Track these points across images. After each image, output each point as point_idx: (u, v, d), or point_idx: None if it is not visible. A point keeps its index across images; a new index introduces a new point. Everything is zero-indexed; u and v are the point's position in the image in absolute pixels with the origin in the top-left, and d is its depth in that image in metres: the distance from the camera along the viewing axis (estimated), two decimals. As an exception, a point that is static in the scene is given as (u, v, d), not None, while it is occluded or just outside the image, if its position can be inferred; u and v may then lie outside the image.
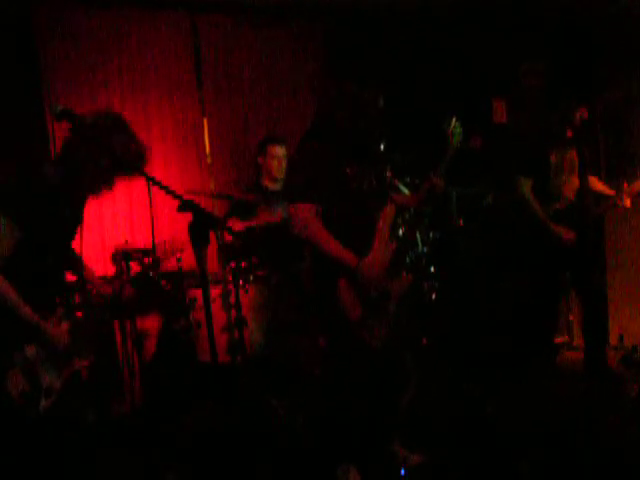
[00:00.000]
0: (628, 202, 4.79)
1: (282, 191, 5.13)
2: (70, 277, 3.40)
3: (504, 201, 5.36)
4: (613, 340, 5.82)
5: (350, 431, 3.25)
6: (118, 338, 4.53)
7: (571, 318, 5.88)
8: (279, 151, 5.11)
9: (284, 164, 5.13)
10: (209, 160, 5.89)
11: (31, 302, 2.81)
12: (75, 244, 3.22)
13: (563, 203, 4.82)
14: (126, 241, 4.93)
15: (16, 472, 2.78)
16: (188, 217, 2.41)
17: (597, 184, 5.03)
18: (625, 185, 4.83)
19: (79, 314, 3.27)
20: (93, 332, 3.17)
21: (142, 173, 2.66)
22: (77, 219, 3.12)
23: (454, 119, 3.56)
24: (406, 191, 5.17)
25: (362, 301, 3.15)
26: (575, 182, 4.83)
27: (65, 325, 3.01)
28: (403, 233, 3.40)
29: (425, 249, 5.39)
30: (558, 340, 5.77)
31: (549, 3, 5.82)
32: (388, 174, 4.84)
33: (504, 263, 5.45)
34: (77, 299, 3.65)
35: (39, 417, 2.84)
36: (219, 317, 4.52)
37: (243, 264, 4.72)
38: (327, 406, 3.39)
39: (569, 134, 4.81)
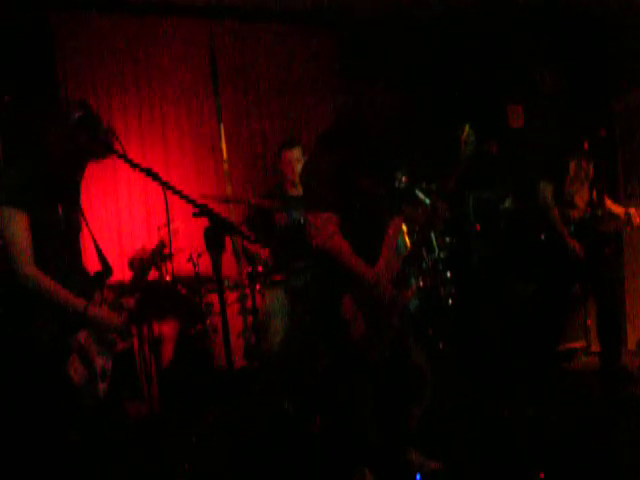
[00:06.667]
0: (639, 220, 4.88)
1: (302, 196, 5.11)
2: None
3: (524, 207, 5.37)
4: (632, 345, 5.80)
5: (365, 436, 3.24)
6: (135, 343, 4.56)
7: (589, 323, 5.84)
8: (293, 155, 5.10)
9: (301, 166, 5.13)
10: (226, 166, 5.90)
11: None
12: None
13: (576, 212, 4.91)
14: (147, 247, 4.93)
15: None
16: (205, 222, 2.44)
17: (608, 202, 5.05)
18: None
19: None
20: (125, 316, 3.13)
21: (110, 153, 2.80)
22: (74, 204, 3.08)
23: (467, 126, 3.29)
24: (422, 196, 5.14)
25: (365, 317, 3.08)
26: (586, 193, 4.93)
27: (105, 308, 3.01)
28: (416, 239, 3.30)
29: (441, 254, 5.36)
30: (575, 345, 5.74)
31: (565, 5, 5.80)
32: (404, 179, 4.81)
33: (518, 268, 5.45)
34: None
35: (100, 401, 2.86)
36: (236, 322, 4.52)
37: (260, 268, 4.73)
38: (341, 411, 3.37)
39: (586, 146, 4.86)
